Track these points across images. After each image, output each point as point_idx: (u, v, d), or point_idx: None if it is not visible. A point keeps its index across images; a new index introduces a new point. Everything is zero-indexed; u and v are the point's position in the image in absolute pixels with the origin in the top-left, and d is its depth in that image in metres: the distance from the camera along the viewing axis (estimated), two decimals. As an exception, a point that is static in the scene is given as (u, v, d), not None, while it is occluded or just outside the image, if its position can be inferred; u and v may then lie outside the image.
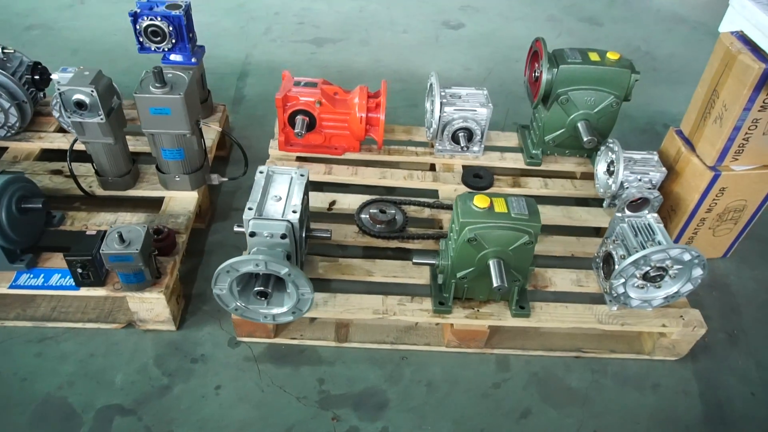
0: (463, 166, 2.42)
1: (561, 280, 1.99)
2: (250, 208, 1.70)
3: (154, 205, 2.16)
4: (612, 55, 2.22)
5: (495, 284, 1.64)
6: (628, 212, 2.17)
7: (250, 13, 3.79)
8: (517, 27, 3.94)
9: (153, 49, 2.28)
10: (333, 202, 2.20)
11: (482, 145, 2.42)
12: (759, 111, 1.90)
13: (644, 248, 1.77)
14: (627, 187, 2.15)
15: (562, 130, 2.33)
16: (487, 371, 1.92)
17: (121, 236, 1.68)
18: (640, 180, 2.15)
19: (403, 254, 2.08)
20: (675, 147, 2.21)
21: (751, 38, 1.91)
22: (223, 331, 1.97)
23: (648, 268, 1.73)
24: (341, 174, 2.31)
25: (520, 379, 1.91)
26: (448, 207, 2.20)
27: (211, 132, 2.47)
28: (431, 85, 2.35)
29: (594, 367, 1.97)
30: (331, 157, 2.40)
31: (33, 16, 3.60)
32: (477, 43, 3.71)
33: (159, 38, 2.25)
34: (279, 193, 1.76)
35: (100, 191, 2.15)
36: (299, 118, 2.25)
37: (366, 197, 2.23)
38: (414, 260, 1.83)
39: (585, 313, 1.89)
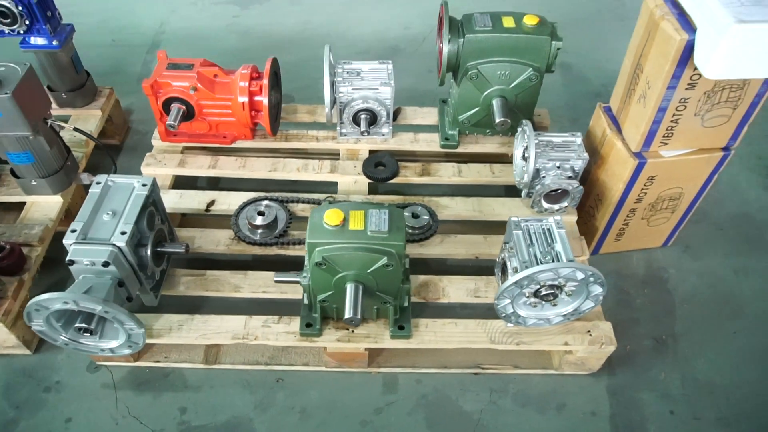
0: (370, 152, 2.15)
1: (456, 290, 1.75)
2: (73, 230, 1.48)
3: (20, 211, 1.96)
4: (529, 20, 1.89)
5: (347, 315, 1.41)
6: (545, 204, 1.92)
7: (173, -29, 3.44)
8: (472, -26, 3.52)
9: (6, 32, 2.01)
10: (212, 202, 1.96)
11: (391, 127, 2.14)
12: (686, 89, 1.59)
13: (536, 262, 1.52)
14: (544, 176, 1.87)
15: (477, 108, 2.03)
16: (370, 394, 1.73)
17: (-71, 266, 1.48)
18: (559, 167, 1.86)
19: (283, 262, 1.86)
20: (601, 127, 1.91)
21: (679, 0, 1.57)
22: (85, 353, 1.80)
23: (537, 286, 1.49)
24: (227, 167, 2.06)
25: (406, 403, 1.71)
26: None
27: (91, 120, 2.23)
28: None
29: (494, 386, 1.76)
30: (221, 147, 2.14)
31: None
32: (422, -4, 3.32)
33: (9, 20, 1.97)
34: (114, 209, 1.54)
35: (-46, 197, 1.95)
36: (174, 106, 1.98)
37: (253, 194, 1.98)
38: (275, 278, 1.61)
39: (476, 330, 1.66)
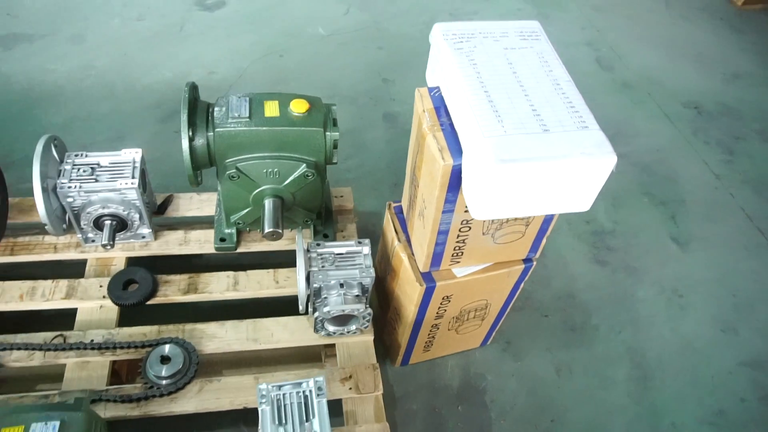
0: (128, 260, 1.72)
1: (209, 464, 1.39)
2: None
3: None
4: (297, 106, 1.52)
5: None
6: (331, 327, 1.59)
7: None
8: (297, 2, 3.12)
9: None
10: None
11: (149, 229, 1.71)
12: (466, 212, 1.30)
13: (284, 452, 1.18)
14: (326, 297, 1.54)
15: (248, 208, 1.66)
16: None
17: None
18: (342, 285, 1.54)
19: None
20: (391, 233, 1.60)
21: (448, 105, 1.27)
22: None
23: (280, 490, 1.16)
24: None
25: None
26: (76, 348, 1.51)
27: None
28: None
29: None
30: None
31: None
32: (237, 30, 2.88)
33: None
34: None
35: None
36: None
37: (-49, 339, 1.50)
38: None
39: None
